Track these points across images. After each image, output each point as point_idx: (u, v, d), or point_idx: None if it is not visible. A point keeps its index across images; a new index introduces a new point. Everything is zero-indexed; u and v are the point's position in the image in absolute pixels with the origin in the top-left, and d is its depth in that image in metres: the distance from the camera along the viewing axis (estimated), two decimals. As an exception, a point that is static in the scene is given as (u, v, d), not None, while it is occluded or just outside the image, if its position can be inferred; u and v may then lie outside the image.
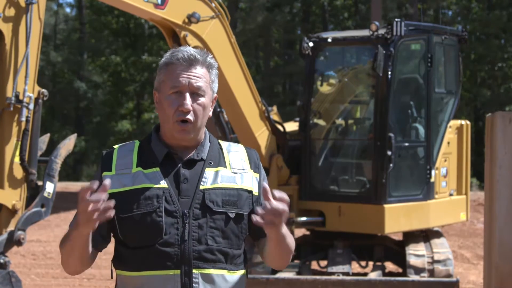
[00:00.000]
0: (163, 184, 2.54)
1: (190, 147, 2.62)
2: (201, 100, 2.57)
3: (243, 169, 2.64)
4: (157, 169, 2.56)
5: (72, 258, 2.55)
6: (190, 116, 2.55)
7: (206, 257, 2.51)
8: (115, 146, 2.68)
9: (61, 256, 2.58)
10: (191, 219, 2.52)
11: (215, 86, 2.67)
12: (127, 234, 2.55)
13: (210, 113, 2.66)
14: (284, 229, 2.51)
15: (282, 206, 2.40)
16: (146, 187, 2.53)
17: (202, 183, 2.56)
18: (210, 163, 2.60)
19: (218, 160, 2.63)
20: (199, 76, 2.57)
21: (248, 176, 2.64)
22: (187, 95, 2.55)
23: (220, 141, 2.71)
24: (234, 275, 2.58)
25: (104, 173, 2.58)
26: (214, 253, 2.53)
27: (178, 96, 2.56)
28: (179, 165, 2.58)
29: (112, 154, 2.63)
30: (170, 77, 2.57)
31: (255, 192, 2.64)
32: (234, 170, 2.62)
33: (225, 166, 2.62)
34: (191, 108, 2.54)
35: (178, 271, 2.49)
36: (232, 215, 2.56)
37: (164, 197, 2.52)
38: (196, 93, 2.56)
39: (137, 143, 2.66)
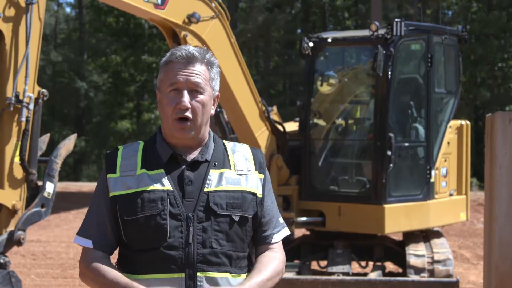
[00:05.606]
0: (168, 186, 2.52)
1: (193, 146, 2.59)
2: (200, 97, 2.55)
3: (248, 171, 2.62)
4: (162, 170, 2.54)
5: None
6: (188, 114, 2.53)
7: (211, 260, 2.49)
8: (120, 147, 2.66)
9: (90, 280, 2.56)
10: (195, 222, 2.50)
11: (216, 84, 2.63)
12: (131, 237, 2.54)
13: (212, 111, 2.63)
14: None
15: None
16: (151, 190, 2.51)
17: (206, 185, 2.53)
18: (215, 164, 2.58)
19: (223, 161, 2.60)
20: (197, 73, 2.54)
21: (252, 178, 2.61)
22: (185, 92, 2.53)
23: (225, 142, 2.69)
24: (239, 279, 2.56)
25: (109, 175, 2.57)
26: (219, 256, 2.51)
27: (176, 94, 2.54)
28: (183, 166, 2.56)
29: (116, 155, 2.60)
30: (168, 75, 2.55)
31: (259, 194, 2.62)
32: (239, 172, 2.60)
33: (230, 168, 2.59)
34: (189, 106, 2.52)
35: (183, 275, 2.47)
36: (236, 218, 2.54)
37: (168, 200, 2.50)
38: (194, 90, 2.54)
39: (141, 143, 2.64)
